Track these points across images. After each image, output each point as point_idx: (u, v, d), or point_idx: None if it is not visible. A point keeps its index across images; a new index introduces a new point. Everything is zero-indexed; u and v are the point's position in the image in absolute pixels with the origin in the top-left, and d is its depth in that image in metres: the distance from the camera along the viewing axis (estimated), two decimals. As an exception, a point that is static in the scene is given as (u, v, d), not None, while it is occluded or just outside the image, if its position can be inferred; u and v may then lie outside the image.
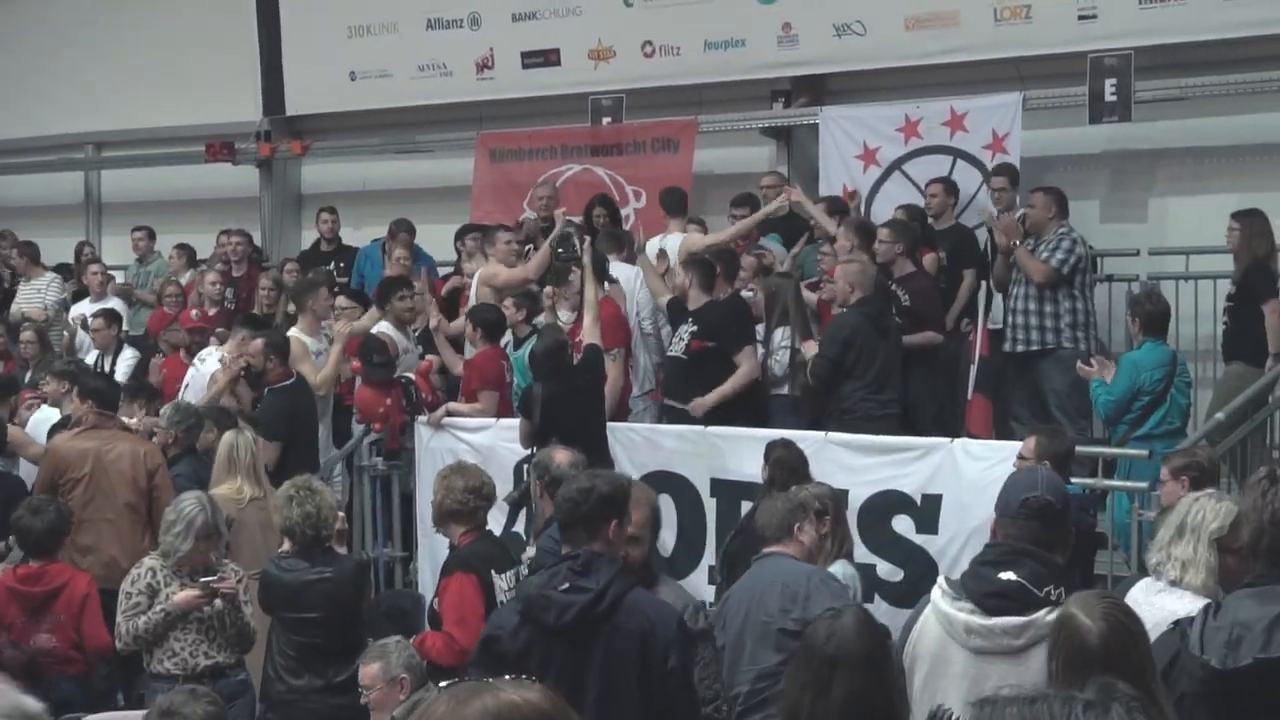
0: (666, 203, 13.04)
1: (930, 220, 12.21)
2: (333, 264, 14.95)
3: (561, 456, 7.83)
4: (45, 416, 11.31)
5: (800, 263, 12.36)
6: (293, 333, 11.87)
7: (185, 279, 14.96)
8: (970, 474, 9.33)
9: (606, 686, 5.29)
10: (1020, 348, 11.29)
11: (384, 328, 11.88)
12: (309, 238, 16.82)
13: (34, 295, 15.49)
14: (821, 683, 4.33)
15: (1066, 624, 4.23)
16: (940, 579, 5.29)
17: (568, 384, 10.09)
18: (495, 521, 10.38)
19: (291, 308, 13.00)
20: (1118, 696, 2.98)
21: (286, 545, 7.84)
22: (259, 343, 11.32)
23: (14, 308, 15.44)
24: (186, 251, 15.71)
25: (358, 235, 15.72)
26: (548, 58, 15.39)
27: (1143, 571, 6.33)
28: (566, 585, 5.33)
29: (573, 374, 10.19)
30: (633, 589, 5.43)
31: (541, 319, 11.52)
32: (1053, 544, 5.07)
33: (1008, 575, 4.97)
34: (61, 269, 16.06)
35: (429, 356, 12.17)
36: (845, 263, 10.81)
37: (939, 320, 11.23)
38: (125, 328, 14.66)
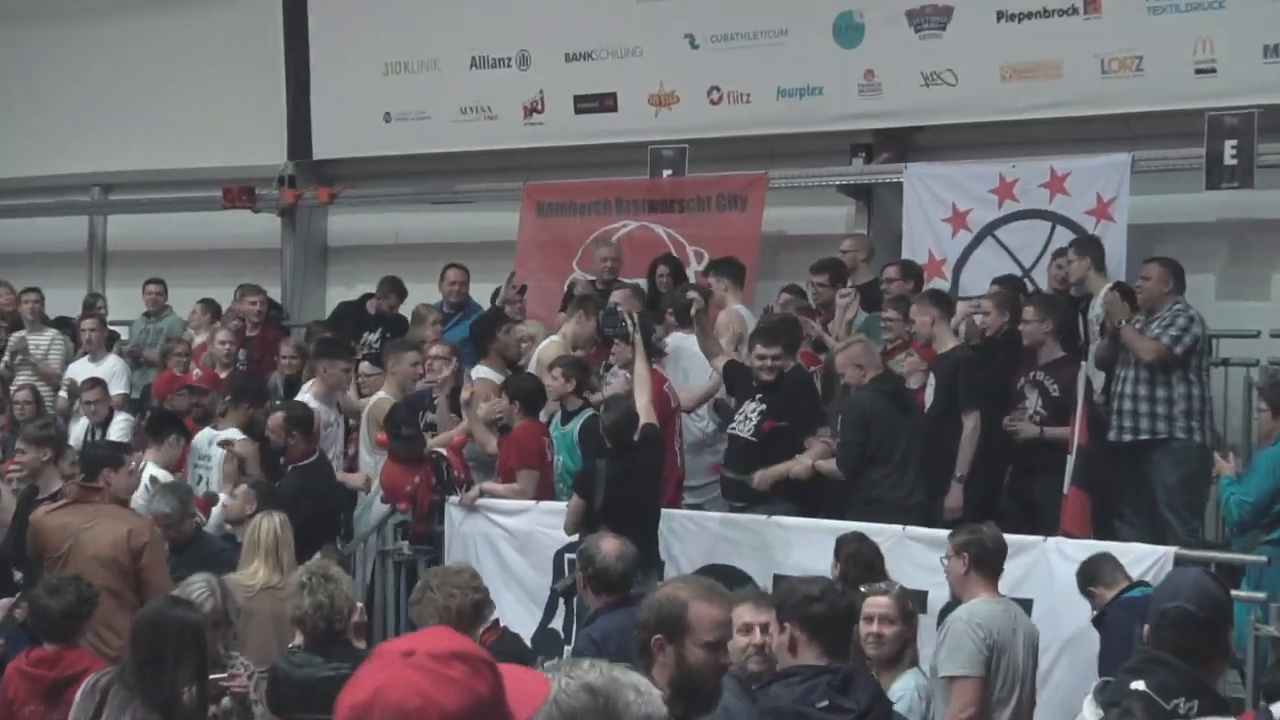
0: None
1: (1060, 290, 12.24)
2: (378, 329, 14.92)
3: (610, 546, 7.76)
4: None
5: (860, 330, 12.30)
6: (381, 395, 12.16)
7: (202, 339, 15.00)
8: (1064, 577, 9.27)
9: None
10: (1127, 437, 11.20)
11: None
12: (335, 295, 16.88)
13: (35, 353, 15.50)
14: None
15: None
16: (1096, 682, 5.65)
17: (631, 463, 10.09)
18: (530, 615, 10.41)
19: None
20: None
21: (299, 638, 7.81)
22: (279, 416, 11.39)
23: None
24: (210, 308, 15.74)
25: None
26: (603, 102, 15.53)
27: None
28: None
29: (636, 451, 10.18)
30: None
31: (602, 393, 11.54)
32: (1199, 655, 5.26)
33: (1138, 684, 5.19)
34: (60, 323, 16.09)
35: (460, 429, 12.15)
36: (846, 346, 11.03)
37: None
38: (125, 390, 14.69)
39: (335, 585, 7.76)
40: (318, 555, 8.92)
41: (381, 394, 12.32)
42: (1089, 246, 12.11)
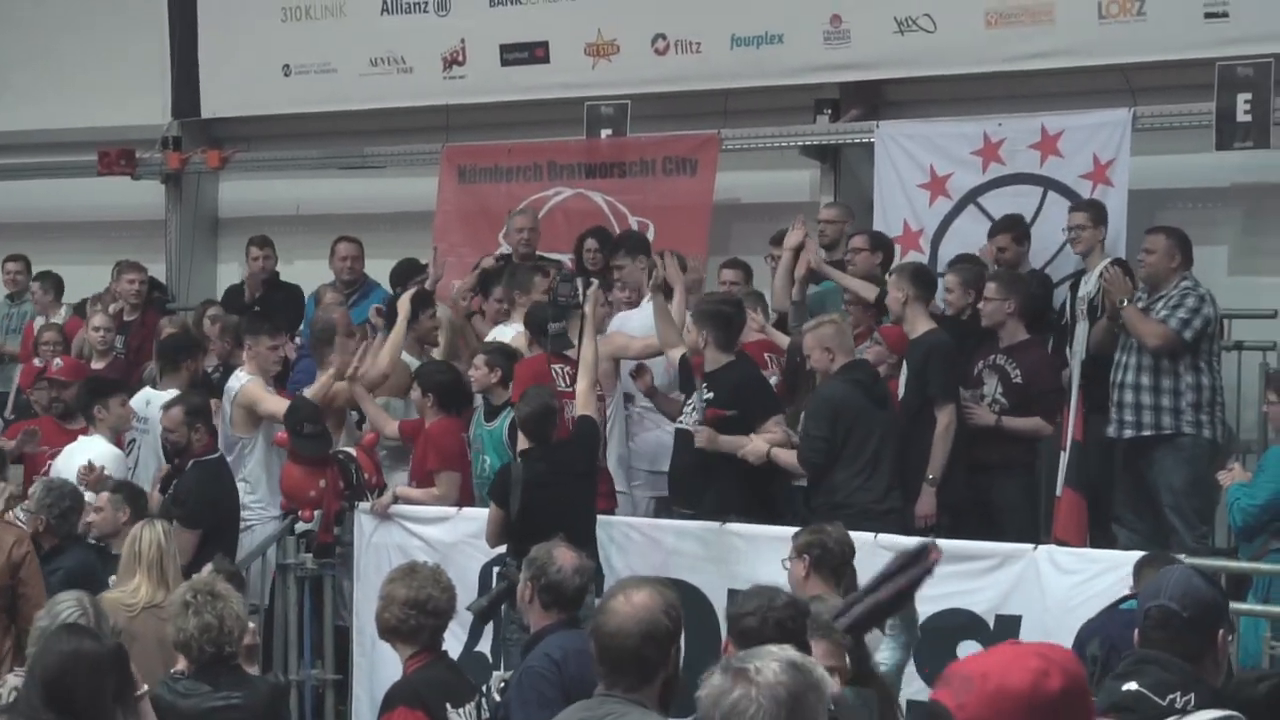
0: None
1: None
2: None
3: (566, 558, 7.76)
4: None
5: (813, 307, 12.33)
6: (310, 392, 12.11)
7: (59, 320, 14.93)
8: (1058, 591, 9.35)
9: None
10: (1128, 433, 11.27)
11: None
12: (227, 272, 16.83)
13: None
14: None
15: None
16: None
17: (556, 463, 10.11)
18: (453, 638, 10.39)
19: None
20: None
21: (182, 663, 7.81)
22: (178, 410, 11.40)
23: None
24: (51, 282, 15.67)
25: (286, 271, 15.73)
26: (533, 52, 15.53)
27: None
28: None
29: (561, 451, 10.21)
30: None
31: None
32: (1188, 656, 5.38)
33: (1129, 686, 5.34)
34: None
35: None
36: (815, 326, 11.06)
37: (1052, 405, 11.27)
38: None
39: (224, 603, 7.76)
40: (207, 568, 8.90)
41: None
42: (1099, 212, 12.17)
